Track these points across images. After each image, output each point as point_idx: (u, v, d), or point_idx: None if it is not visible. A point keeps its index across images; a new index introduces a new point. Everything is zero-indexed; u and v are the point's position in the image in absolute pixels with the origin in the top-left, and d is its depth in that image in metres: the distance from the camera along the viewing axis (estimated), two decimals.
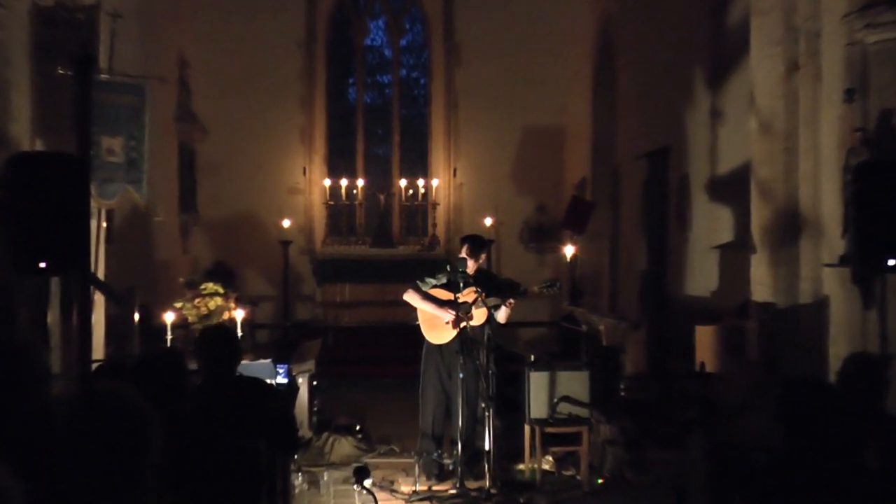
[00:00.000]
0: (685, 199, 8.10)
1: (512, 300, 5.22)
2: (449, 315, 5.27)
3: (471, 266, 5.34)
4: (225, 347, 3.46)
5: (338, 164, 12.29)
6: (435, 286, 5.45)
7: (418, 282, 5.48)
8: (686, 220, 8.06)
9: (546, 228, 11.84)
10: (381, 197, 11.62)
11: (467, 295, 5.29)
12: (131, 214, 7.51)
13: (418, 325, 5.49)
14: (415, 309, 5.50)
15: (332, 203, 11.58)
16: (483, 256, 5.51)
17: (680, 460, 4.54)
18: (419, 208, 11.80)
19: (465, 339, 5.12)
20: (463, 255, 5.39)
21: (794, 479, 2.58)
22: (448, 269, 5.41)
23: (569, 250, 9.08)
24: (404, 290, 5.54)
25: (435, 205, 11.69)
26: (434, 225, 11.63)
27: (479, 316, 5.27)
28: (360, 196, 11.70)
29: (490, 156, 11.80)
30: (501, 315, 5.31)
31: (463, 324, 5.19)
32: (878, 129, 4.97)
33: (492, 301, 5.22)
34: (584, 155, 11.05)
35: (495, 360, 5.13)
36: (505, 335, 5.55)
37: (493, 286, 5.42)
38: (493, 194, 11.57)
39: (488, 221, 11.00)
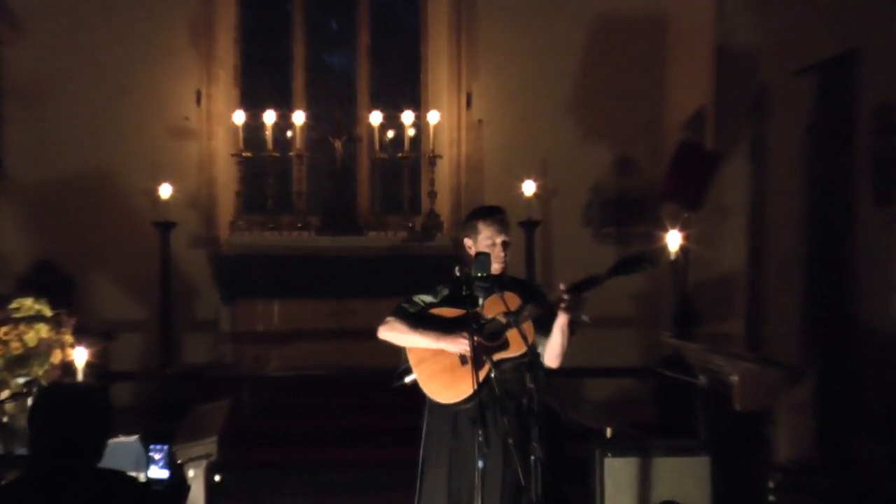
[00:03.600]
0: (889, 148, 8.05)
1: (576, 294, 5.10)
2: (459, 345, 5.24)
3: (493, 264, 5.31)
4: (82, 422, 3.58)
5: (259, 84, 12.38)
6: (433, 304, 5.46)
7: (404, 303, 5.49)
8: (890, 188, 8.03)
9: (631, 200, 11.97)
10: (338, 144, 11.65)
11: (493, 307, 5.25)
12: None
13: (413, 383, 5.41)
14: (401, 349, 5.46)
15: (248, 155, 11.61)
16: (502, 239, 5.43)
17: None
18: (406, 164, 11.79)
19: (489, 394, 5.08)
20: (472, 244, 5.42)
21: None
22: (460, 272, 5.33)
23: (674, 239, 9.05)
24: (379, 309, 5.54)
25: (434, 158, 11.70)
26: (432, 193, 11.66)
27: (516, 343, 5.21)
28: (298, 143, 11.72)
29: (531, 72, 11.87)
30: (557, 333, 5.24)
31: (488, 362, 5.12)
32: None
33: (532, 310, 5.17)
34: (702, 68, 11.03)
35: (542, 435, 5.04)
36: (561, 391, 5.48)
37: (535, 294, 5.39)
38: (538, 139, 11.67)
39: (529, 188, 11.05)
